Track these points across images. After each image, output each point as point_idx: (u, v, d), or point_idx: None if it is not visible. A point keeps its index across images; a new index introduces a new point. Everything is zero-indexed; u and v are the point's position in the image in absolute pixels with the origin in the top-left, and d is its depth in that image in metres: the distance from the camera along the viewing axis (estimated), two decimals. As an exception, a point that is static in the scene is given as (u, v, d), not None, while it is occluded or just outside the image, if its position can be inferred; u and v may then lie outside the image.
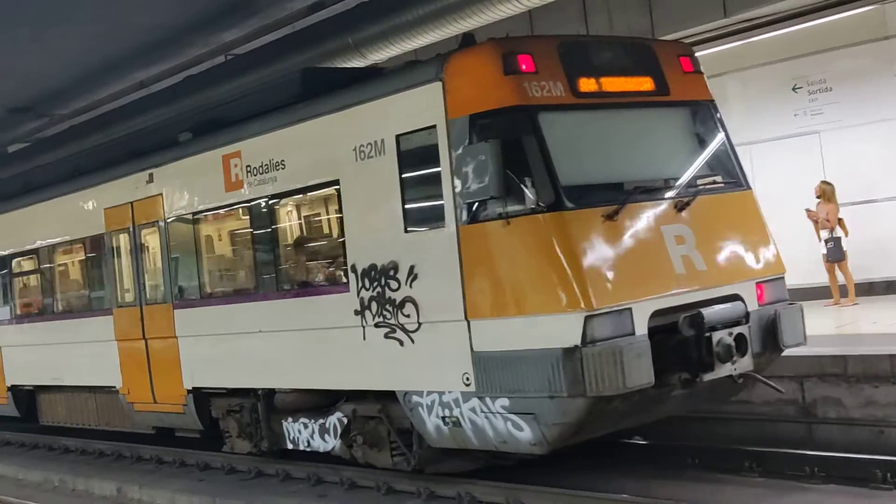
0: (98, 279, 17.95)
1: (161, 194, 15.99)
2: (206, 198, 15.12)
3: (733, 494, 11.43)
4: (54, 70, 22.04)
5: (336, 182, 12.81)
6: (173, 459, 16.70)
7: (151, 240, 16.42)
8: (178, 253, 15.84)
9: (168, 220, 15.89)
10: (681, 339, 10.85)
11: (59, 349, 18.98)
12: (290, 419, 14.30)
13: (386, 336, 12.18)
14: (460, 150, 11.19)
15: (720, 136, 12.62)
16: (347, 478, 13.50)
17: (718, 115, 12.71)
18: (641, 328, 10.62)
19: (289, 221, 14.11)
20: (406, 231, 11.87)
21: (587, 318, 10.30)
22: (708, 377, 10.89)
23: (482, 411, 11.31)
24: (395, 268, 11.98)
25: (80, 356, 18.29)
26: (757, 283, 11.84)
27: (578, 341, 10.29)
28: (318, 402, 13.76)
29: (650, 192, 11.51)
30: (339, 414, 13.45)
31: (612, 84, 11.78)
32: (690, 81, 12.56)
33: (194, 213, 15.42)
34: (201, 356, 15.37)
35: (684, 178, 12.00)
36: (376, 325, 12.27)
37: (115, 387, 17.37)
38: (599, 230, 10.85)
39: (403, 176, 11.92)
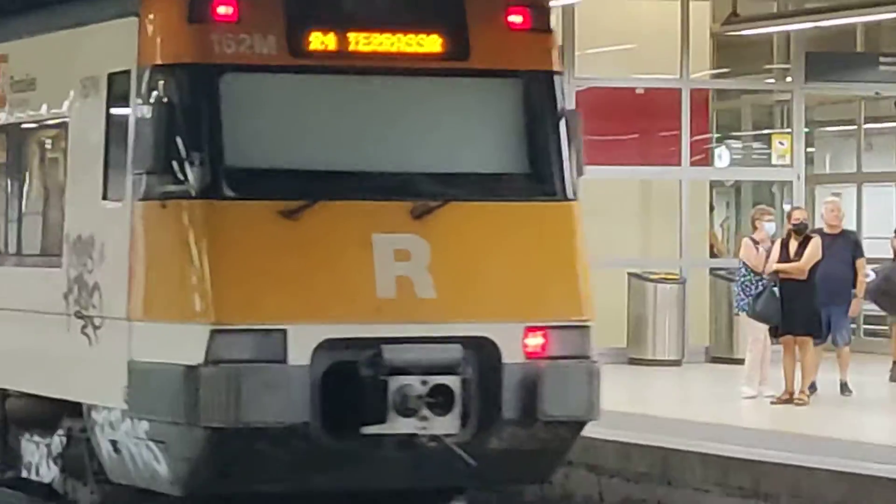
0: None
1: None
2: None
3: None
4: None
5: (65, 122, 11.01)
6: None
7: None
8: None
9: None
10: (355, 380, 9.42)
11: None
12: (27, 435, 11.78)
13: (81, 330, 10.54)
14: (138, 108, 9.85)
15: (546, 123, 10.18)
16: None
17: (557, 92, 10.24)
18: (301, 357, 9.34)
19: (29, 163, 11.98)
20: (104, 198, 10.30)
21: (213, 333, 9.30)
22: (371, 430, 9.31)
23: (133, 436, 9.94)
24: (92, 243, 10.38)
25: None
26: (528, 327, 9.86)
27: (201, 359, 9.26)
28: (53, 413, 11.29)
29: (367, 188, 9.85)
30: (60, 432, 11.18)
31: (367, 42, 9.95)
32: (517, 43, 10.19)
33: None
34: None
35: (438, 175, 10.01)
36: (76, 315, 10.62)
37: None
38: (269, 229, 9.64)
39: (109, 130, 10.31)
